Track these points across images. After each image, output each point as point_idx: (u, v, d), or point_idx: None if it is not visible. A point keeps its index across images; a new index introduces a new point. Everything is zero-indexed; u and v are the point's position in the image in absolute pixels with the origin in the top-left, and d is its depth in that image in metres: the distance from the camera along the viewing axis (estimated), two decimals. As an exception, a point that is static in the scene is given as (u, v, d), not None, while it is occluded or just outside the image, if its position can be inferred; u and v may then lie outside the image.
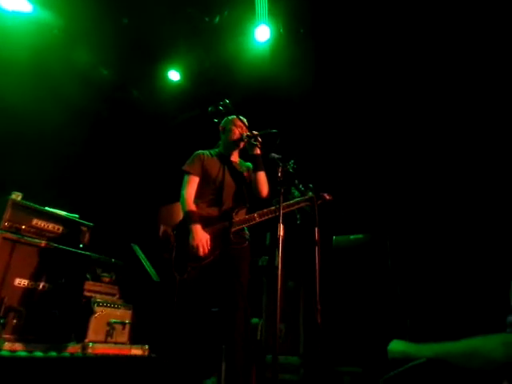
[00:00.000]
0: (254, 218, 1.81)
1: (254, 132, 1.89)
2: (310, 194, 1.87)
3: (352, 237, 3.02)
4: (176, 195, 1.91)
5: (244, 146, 1.98)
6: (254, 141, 1.88)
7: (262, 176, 1.88)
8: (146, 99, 3.78)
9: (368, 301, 2.58)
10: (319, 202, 1.99)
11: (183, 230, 1.79)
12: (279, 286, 1.39)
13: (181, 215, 1.90)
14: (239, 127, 1.96)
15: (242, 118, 1.90)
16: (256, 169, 1.89)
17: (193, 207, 1.82)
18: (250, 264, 1.86)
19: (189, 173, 1.91)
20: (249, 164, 2.02)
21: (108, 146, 3.84)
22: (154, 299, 2.77)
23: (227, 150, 2.01)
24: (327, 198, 2.04)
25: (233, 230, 1.79)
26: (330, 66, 3.01)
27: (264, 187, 1.89)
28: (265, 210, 1.81)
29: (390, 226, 3.01)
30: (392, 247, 2.80)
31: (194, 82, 3.60)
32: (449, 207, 2.48)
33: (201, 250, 1.71)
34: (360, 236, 3.00)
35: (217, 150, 2.04)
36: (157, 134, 4.05)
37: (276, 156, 1.71)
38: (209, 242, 1.75)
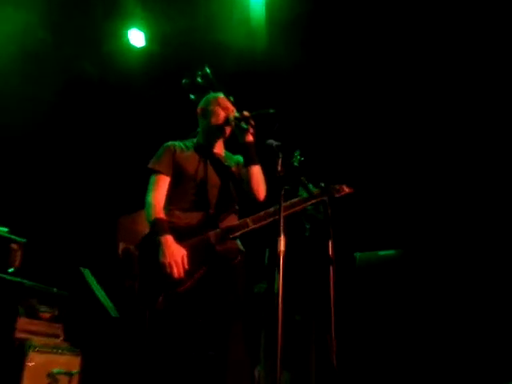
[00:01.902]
0: (247, 225, 1.83)
1: (245, 113, 1.90)
2: (322, 187, 1.92)
3: (381, 253, 3.09)
4: (140, 202, 1.92)
5: (231, 133, 2.00)
6: (245, 124, 1.89)
7: (256, 171, 1.89)
8: (101, 74, 3.79)
9: (402, 338, 2.64)
10: (337, 195, 2.03)
11: (150, 246, 1.80)
12: (280, 321, 1.39)
13: (146, 228, 1.90)
14: (225, 108, 1.98)
15: (227, 96, 1.97)
16: (248, 162, 1.90)
17: (161, 214, 1.84)
18: (247, 286, 1.89)
19: (156, 171, 1.92)
20: (238, 157, 2.05)
21: (49, 137, 3.84)
22: (112, 342, 2.77)
23: (209, 140, 2.03)
24: (346, 190, 2.05)
25: (221, 240, 1.82)
26: (341, 33, 3.31)
27: (260, 186, 1.90)
28: (261, 214, 1.84)
29: (429, 239, 3.12)
30: (433, 266, 2.85)
31: (164, 49, 3.63)
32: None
33: (174, 270, 1.71)
34: (391, 252, 3.08)
35: (194, 140, 2.07)
36: (115, 121, 4.04)
37: (275, 143, 1.71)
38: (186, 260, 1.75)
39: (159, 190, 1.89)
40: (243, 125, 1.90)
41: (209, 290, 1.78)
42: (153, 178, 1.92)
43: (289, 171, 1.72)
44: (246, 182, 1.91)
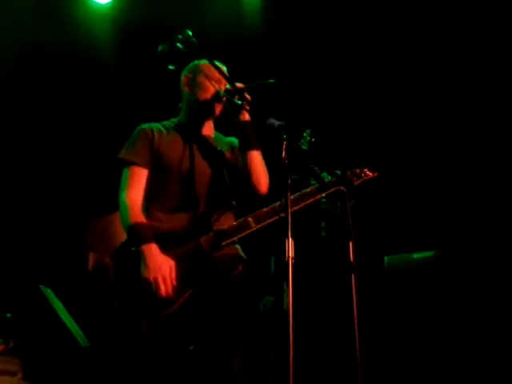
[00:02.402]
0: (248, 225, 1.85)
1: (239, 85, 1.91)
2: (338, 175, 1.94)
3: (417, 255, 3.12)
4: (114, 200, 1.93)
5: (223, 110, 2.02)
6: (240, 99, 1.89)
7: (255, 158, 1.92)
8: (58, 42, 3.74)
9: (442, 361, 2.65)
10: (357, 181, 2.05)
11: (129, 258, 1.81)
12: (291, 346, 1.38)
13: (122, 234, 1.90)
14: (214, 79, 1.98)
15: (217, 63, 1.93)
16: (245, 146, 1.92)
17: (141, 218, 1.84)
18: (250, 302, 1.93)
19: (130, 163, 1.92)
20: (232, 139, 2.08)
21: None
22: (82, 379, 2.77)
23: (195, 119, 2.04)
24: (369, 174, 2.10)
25: (216, 247, 1.82)
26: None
27: (261, 177, 1.93)
28: (265, 210, 1.87)
29: (476, 238, 3.12)
30: (481, 271, 2.84)
31: (135, 5, 3.59)
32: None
33: (162, 288, 1.71)
34: (428, 254, 3.09)
35: (175, 120, 2.08)
36: (79, 99, 3.99)
37: (277, 123, 1.73)
38: (174, 274, 1.75)
39: (135, 187, 1.89)
40: (237, 100, 1.89)
41: (203, 311, 1.80)
42: (126, 171, 1.92)
43: (296, 157, 1.71)
44: (243, 172, 1.93)
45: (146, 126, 2.00)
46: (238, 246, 1.94)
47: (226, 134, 2.14)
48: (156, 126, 2.01)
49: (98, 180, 3.86)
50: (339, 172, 1.99)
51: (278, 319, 2.74)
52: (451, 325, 2.73)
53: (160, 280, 1.70)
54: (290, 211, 1.54)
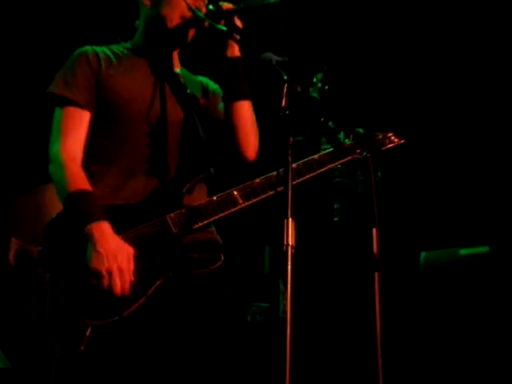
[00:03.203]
0: (235, 201, 1.92)
1: (226, 5, 1.94)
2: (360, 135, 2.03)
3: (464, 251, 3.18)
4: (44, 170, 1.96)
5: (195, 37, 2.07)
6: (227, 26, 1.92)
7: (244, 111, 1.98)
8: None
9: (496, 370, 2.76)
10: (386, 146, 2.15)
11: (66, 240, 1.85)
12: (288, 367, 1.40)
13: (55, 207, 1.93)
14: None
15: None
16: (232, 94, 1.97)
17: (85, 181, 1.87)
18: (233, 309, 1.96)
19: (65, 101, 1.93)
20: (203, 79, 2.18)
21: None
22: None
23: (156, 45, 2.06)
24: (395, 140, 2.19)
25: (189, 228, 1.87)
26: None
27: (250, 136, 2.00)
28: (256, 182, 1.93)
29: None
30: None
31: None
32: None
33: (117, 282, 1.74)
34: (481, 250, 3.14)
35: (127, 45, 2.11)
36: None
37: (276, 59, 1.74)
38: (133, 265, 1.78)
39: (74, 135, 1.92)
40: (221, 26, 1.90)
41: (169, 317, 1.84)
42: (59, 113, 1.95)
43: (302, 108, 1.75)
44: (225, 128, 1.99)
45: (88, 49, 2.00)
46: (213, 229, 1.99)
47: (202, 73, 2.18)
48: (102, 50, 2.02)
49: (16, 136, 3.88)
50: (361, 131, 2.01)
51: (271, 332, 2.77)
52: (506, 335, 2.81)
53: (115, 273, 1.73)
54: (290, 184, 1.57)
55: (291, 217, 1.53)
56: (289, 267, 1.49)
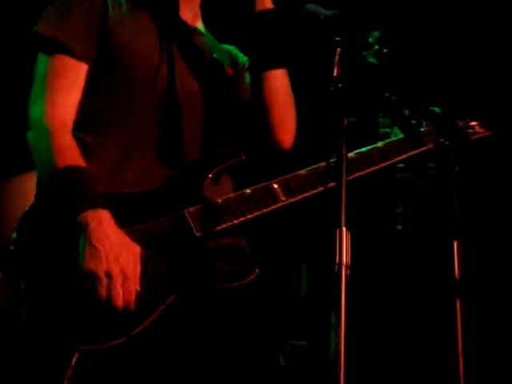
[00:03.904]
0: (275, 197, 1.95)
1: None
2: (438, 117, 1.99)
3: None
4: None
5: None
6: None
7: (277, 82, 2.04)
8: None
9: None
10: (475, 136, 2.17)
11: (48, 234, 1.85)
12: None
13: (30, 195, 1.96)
14: None
15: None
16: (264, 61, 2.03)
17: (77, 157, 1.87)
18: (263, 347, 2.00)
19: (57, 46, 1.93)
20: (232, 48, 2.23)
21: None
22: None
23: None
24: (481, 131, 2.21)
25: (214, 230, 1.90)
26: None
27: (285, 116, 2.07)
28: (301, 173, 1.97)
29: None
30: None
31: None
32: None
33: (118, 291, 1.73)
34: None
35: None
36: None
37: (324, 13, 1.76)
38: (139, 269, 1.79)
39: (65, 95, 1.93)
40: None
41: (185, 340, 1.88)
42: (46, 62, 1.95)
43: (358, 79, 1.74)
44: (254, 106, 2.03)
45: None
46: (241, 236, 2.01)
47: (224, 34, 2.22)
48: None
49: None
50: (438, 110, 2.00)
51: (313, 380, 2.80)
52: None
53: (117, 277, 1.73)
54: (344, 180, 1.57)
55: (345, 226, 1.53)
56: (343, 294, 1.48)
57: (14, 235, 1.87)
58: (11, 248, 1.85)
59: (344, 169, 1.57)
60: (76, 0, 1.96)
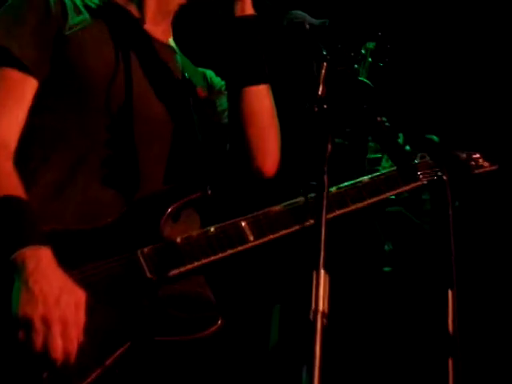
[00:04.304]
0: (243, 237, 1.98)
1: None
2: (435, 147, 2.06)
3: None
4: None
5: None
6: None
7: (259, 100, 2.08)
8: None
9: None
10: (479, 170, 2.19)
11: None
12: None
13: None
14: None
15: None
16: (242, 76, 2.07)
17: (16, 185, 1.88)
18: None
19: (3, 56, 1.96)
20: (207, 71, 2.30)
21: None
22: None
23: (149, 3, 2.18)
24: (485, 165, 2.23)
25: (171, 273, 1.91)
26: None
27: (266, 139, 2.10)
28: (275, 209, 1.98)
29: None
30: None
31: None
32: None
33: (57, 342, 1.72)
34: None
35: None
36: None
37: (310, 21, 1.78)
38: (83, 317, 1.79)
39: (8, 114, 1.95)
40: None
41: None
42: None
43: (347, 99, 1.77)
44: (232, 127, 2.07)
45: None
46: (203, 280, 2.03)
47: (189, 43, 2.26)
48: None
49: None
50: (436, 138, 2.04)
51: None
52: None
53: (56, 325, 1.72)
54: (324, 218, 1.58)
55: (322, 267, 1.53)
56: (317, 346, 1.48)
57: None
58: None
59: (325, 206, 1.58)
60: (30, 5, 1.97)
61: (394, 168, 2.07)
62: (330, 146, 1.62)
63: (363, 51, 2.07)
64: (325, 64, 1.68)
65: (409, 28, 3.62)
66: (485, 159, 2.24)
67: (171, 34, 2.20)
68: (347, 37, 1.83)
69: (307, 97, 1.68)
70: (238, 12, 2.01)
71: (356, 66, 2.08)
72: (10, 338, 1.73)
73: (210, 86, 2.20)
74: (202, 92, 2.14)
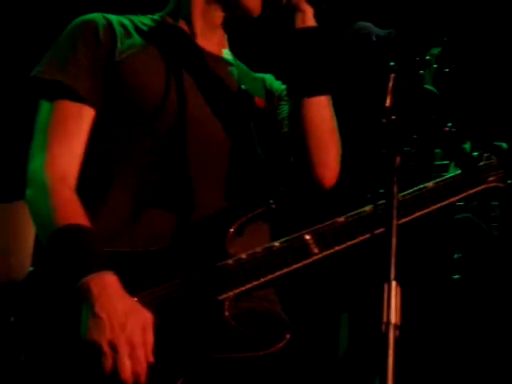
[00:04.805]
0: (307, 250, 1.97)
1: None
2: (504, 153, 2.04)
3: None
4: (21, 183, 2.00)
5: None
6: None
7: (319, 110, 2.07)
8: None
9: None
10: None
11: (48, 302, 1.89)
12: None
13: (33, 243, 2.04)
14: None
15: None
16: (302, 86, 2.05)
17: (79, 214, 1.91)
18: None
19: (59, 89, 1.98)
20: (266, 76, 2.31)
21: None
22: None
23: (199, 17, 2.17)
24: None
25: (232, 292, 1.91)
26: None
27: (326, 150, 2.08)
28: (340, 220, 1.97)
29: None
30: None
31: None
32: None
33: (125, 364, 1.76)
34: None
35: (156, 17, 2.24)
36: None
37: (376, 32, 1.78)
38: (151, 338, 1.81)
39: (67, 145, 1.97)
40: None
41: None
42: (48, 109, 2.00)
43: (415, 110, 1.76)
44: (292, 138, 2.07)
45: (97, 17, 2.06)
46: (274, 296, 2.05)
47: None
48: (118, 20, 2.09)
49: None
50: (505, 145, 2.01)
51: None
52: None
53: (123, 348, 1.75)
54: (395, 229, 1.57)
55: (395, 279, 1.52)
56: (390, 359, 1.47)
57: (15, 305, 1.91)
58: (11, 319, 1.90)
59: (395, 215, 1.56)
60: (80, 37, 2.01)
61: (459, 172, 2.07)
62: (398, 158, 1.60)
63: (428, 57, 2.04)
64: (392, 75, 1.67)
65: (474, 32, 3.59)
66: None
67: (226, 45, 2.21)
68: (413, 46, 1.81)
69: (375, 108, 1.67)
70: (299, 24, 2.01)
71: (422, 71, 2.03)
72: (84, 362, 1.78)
73: (269, 92, 2.21)
74: (260, 102, 2.14)
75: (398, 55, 1.71)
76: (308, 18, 2.01)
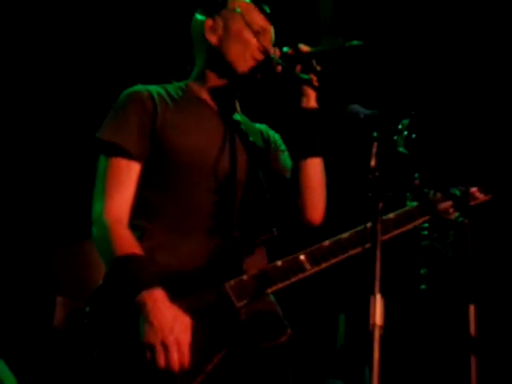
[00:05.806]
0: (301, 266, 1.92)
1: (303, 47, 1.98)
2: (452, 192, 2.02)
3: None
4: (87, 224, 2.01)
5: (258, 82, 2.08)
6: (304, 71, 1.96)
7: (314, 168, 2.02)
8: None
9: None
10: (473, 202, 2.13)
11: (115, 311, 1.88)
12: None
13: (101, 271, 1.98)
14: (258, 29, 2.03)
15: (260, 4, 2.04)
16: (304, 151, 2.01)
17: (133, 246, 1.89)
18: None
19: (115, 150, 1.96)
20: (263, 127, 2.24)
21: None
22: None
23: (218, 88, 2.10)
24: (480, 197, 2.19)
25: (247, 301, 1.87)
26: None
27: (317, 198, 2.05)
28: (325, 245, 1.93)
29: None
30: None
31: None
32: None
33: (174, 357, 1.75)
34: None
35: (181, 84, 2.15)
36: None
37: (363, 112, 1.76)
38: (190, 337, 1.79)
39: (122, 193, 1.94)
40: (303, 75, 1.95)
41: None
42: (105, 164, 1.98)
43: (391, 166, 1.75)
44: (291, 187, 2.05)
45: (141, 89, 2.03)
46: (273, 299, 2.02)
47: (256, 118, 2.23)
48: (156, 90, 2.04)
49: (59, 186, 4.03)
50: (458, 193, 2.00)
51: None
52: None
53: (172, 346, 1.74)
54: (379, 242, 1.57)
55: (378, 291, 1.51)
56: (376, 352, 1.46)
57: (88, 309, 1.91)
58: (85, 321, 1.90)
59: (380, 245, 1.56)
60: (130, 106, 1.99)
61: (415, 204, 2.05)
62: (381, 204, 1.62)
63: (400, 126, 2.05)
64: (375, 143, 1.67)
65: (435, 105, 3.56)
66: (479, 190, 2.20)
67: (237, 108, 2.17)
68: (390, 120, 1.81)
69: (363, 167, 1.66)
70: (304, 104, 1.98)
71: (395, 137, 2.04)
72: (144, 358, 1.77)
73: (267, 142, 2.16)
74: (262, 151, 2.12)
75: (380, 128, 1.72)
76: (311, 100, 1.98)
